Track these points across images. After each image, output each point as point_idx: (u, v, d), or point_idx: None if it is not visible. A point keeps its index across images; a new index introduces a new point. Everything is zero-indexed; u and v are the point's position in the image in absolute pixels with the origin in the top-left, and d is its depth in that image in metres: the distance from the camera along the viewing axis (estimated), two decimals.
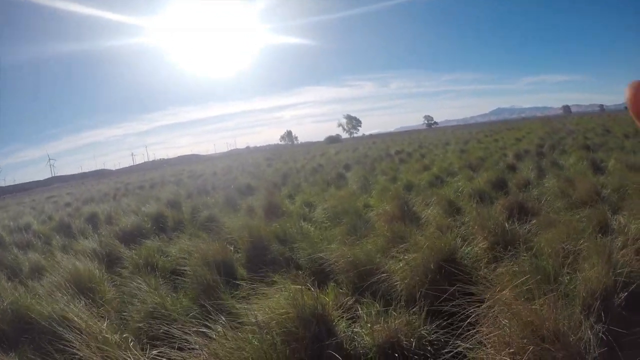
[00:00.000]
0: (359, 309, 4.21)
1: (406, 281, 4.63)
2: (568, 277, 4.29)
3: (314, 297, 3.91)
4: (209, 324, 3.78)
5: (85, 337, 3.94)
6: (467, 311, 3.61)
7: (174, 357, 3.39)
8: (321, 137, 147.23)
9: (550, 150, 17.59)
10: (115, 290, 6.21)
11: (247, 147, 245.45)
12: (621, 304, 3.86)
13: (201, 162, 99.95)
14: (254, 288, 4.85)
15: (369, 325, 3.82)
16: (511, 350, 3.11)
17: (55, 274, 6.29)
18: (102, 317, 5.16)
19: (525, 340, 3.10)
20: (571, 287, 4.11)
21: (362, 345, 3.74)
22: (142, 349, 3.83)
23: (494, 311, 3.48)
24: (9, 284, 6.48)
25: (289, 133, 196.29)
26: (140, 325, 4.70)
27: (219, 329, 3.74)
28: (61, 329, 4.24)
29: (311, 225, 8.28)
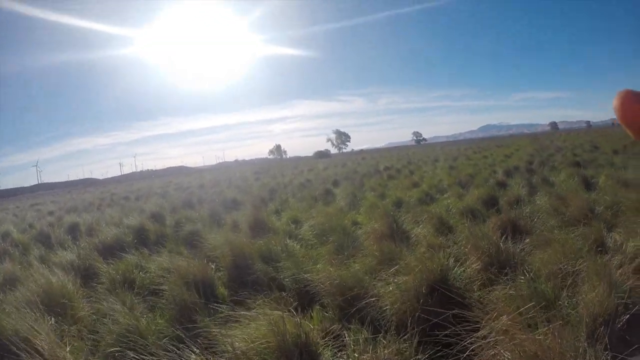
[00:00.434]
0: (346, 336, 3.91)
1: (396, 306, 4.35)
2: (568, 301, 4.08)
3: (296, 324, 3.61)
4: (182, 353, 3.48)
5: None
6: (464, 341, 3.34)
7: None
8: (310, 152, 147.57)
9: (540, 167, 17.49)
10: (89, 307, 5.86)
11: (236, 160, 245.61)
12: (623, 327, 3.67)
13: (189, 174, 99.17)
14: (234, 311, 4.58)
15: (356, 354, 3.54)
16: None
17: (27, 288, 5.97)
18: (73, 336, 4.88)
19: None
20: (572, 311, 3.88)
21: None
22: None
23: (492, 340, 3.22)
24: None
25: (278, 147, 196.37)
26: (110, 350, 4.36)
27: (192, 359, 3.44)
28: (22, 353, 3.92)
29: (297, 243, 7.98)
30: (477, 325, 3.50)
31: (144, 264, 7.44)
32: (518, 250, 5.62)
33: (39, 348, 4.09)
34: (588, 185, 11.09)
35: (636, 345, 3.27)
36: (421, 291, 4.33)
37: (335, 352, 3.74)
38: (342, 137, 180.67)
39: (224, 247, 6.76)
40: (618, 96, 0.50)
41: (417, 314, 4.04)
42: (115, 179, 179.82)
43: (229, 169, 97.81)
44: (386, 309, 4.41)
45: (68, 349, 4.13)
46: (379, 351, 3.46)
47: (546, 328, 3.10)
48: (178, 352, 3.50)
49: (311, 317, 4.54)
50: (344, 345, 3.80)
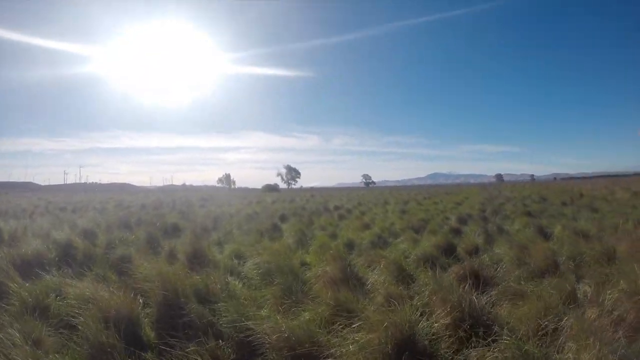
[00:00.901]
0: None
1: None
2: None
3: None
4: None
5: None
6: None
7: None
8: (259, 184, 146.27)
9: (492, 216, 17.29)
10: None
11: (184, 184, 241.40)
12: None
13: (133, 193, 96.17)
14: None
15: None
16: None
17: None
18: None
19: None
20: None
21: None
22: None
23: None
24: None
25: (228, 176, 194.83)
26: None
27: None
28: None
29: (239, 282, 7.17)
30: None
31: (63, 287, 6.44)
32: (487, 303, 5.04)
33: None
34: (544, 234, 10.84)
35: None
36: (387, 352, 3.64)
37: None
38: (292, 173, 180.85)
39: (155, 280, 5.86)
40: None
41: None
42: (57, 187, 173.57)
43: (174, 192, 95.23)
44: None
45: None
46: None
47: None
48: None
49: None
50: None
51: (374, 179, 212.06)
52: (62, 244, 9.59)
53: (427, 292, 5.52)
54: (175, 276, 5.99)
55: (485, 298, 5.12)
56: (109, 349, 4.32)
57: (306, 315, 4.94)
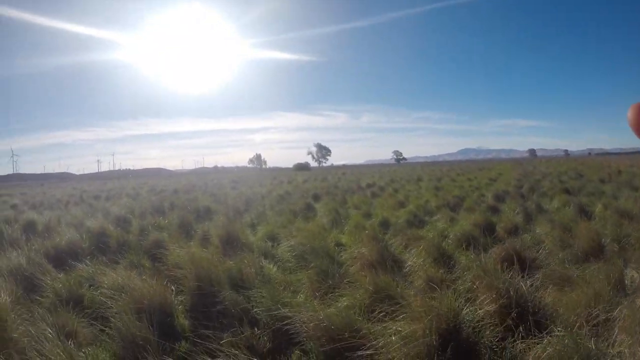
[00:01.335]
0: None
1: None
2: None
3: None
4: None
5: None
6: None
7: None
8: (290, 164, 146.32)
9: (530, 193, 16.71)
10: (22, 331, 4.82)
11: (215, 167, 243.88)
12: None
13: (166, 177, 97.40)
14: (193, 352, 3.65)
15: None
16: None
17: None
18: None
19: None
20: None
21: None
22: None
23: None
24: None
25: (258, 156, 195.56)
26: None
27: None
28: None
29: (274, 265, 7.02)
30: None
31: (97, 277, 6.39)
32: (532, 287, 4.72)
33: None
34: (585, 214, 10.33)
35: None
36: (432, 344, 3.41)
37: None
38: (323, 151, 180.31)
39: (188, 267, 5.74)
40: (632, 109, 0.52)
41: None
42: (91, 175, 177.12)
43: (207, 175, 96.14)
44: None
45: None
46: None
47: None
48: None
49: None
50: None
51: (405, 155, 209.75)
52: (96, 233, 9.64)
53: (469, 277, 5.25)
54: (208, 262, 5.87)
55: (529, 282, 4.81)
56: (141, 342, 4.18)
57: (344, 301, 4.75)
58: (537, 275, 5.30)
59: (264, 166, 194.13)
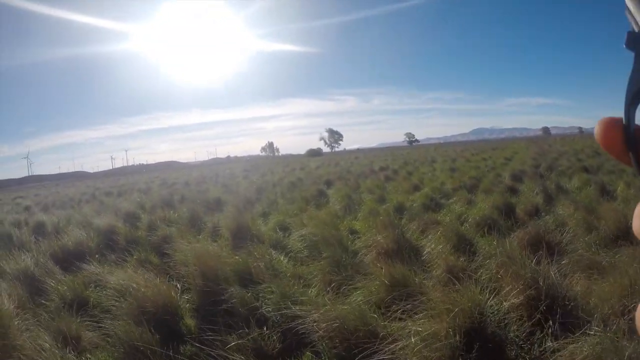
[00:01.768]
0: None
1: None
2: None
3: None
4: None
5: None
6: None
7: None
8: (302, 150, 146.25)
9: (548, 172, 16.18)
10: (26, 337, 4.60)
11: (228, 157, 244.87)
12: None
13: (179, 169, 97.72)
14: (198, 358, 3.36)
15: None
16: None
17: None
18: None
19: None
20: None
21: None
22: None
23: None
24: None
25: (271, 144, 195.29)
26: None
27: None
28: None
29: (284, 257, 6.72)
30: None
31: (103, 277, 6.15)
32: (559, 274, 4.33)
33: None
34: (606, 193, 9.90)
35: None
36: (456, 345, 3.07)
37: None
38: (335, 136, 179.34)
39: (194, 264, 5.46)
40: (598, 124, 0.49)
41: None
42: (105, 172, 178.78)
43: (219, 165, 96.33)
44: None
45: None
46: None
47: None
48: None
49: None
50: None
51: (417, 137, 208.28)
52: (104, 231, 9.43)
53: (493, 265, 4.87)
54: (215, 258, 5.59)
55: (554, 268, 4.42)
56: (142, 348, 3.91)
57: (358, 296, 4.43)
58: (563, 261, 4.94)
59: (276, 154, 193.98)
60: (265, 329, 4.16)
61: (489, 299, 3.87)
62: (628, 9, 0.47)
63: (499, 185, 12.74)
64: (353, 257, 6.09)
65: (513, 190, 11.70)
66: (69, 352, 4.10)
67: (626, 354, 2.79)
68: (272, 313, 4.40)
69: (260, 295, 4.80)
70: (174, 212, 11.96)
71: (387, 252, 5.97)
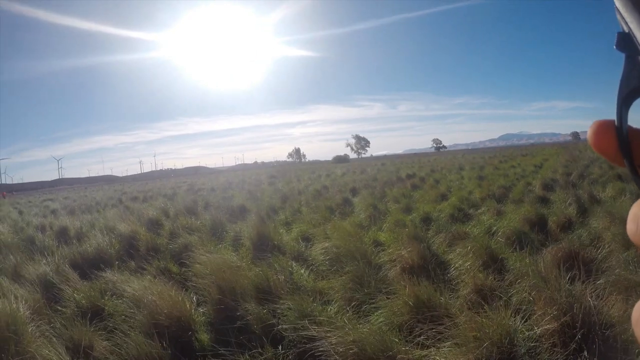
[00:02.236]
0: None
1: None
2: None
3: None
4: None
5: None
6: None
7: None
8: (329, 156, 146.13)
9: (580, 180, 15.60)
10: (39, 344, 4.52)
11: (255, 162, 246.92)
12: None
13: (206, 174, 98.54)
14: None
15: None
16: None
17: None
18: None
19: None
20: None
21: None
22: None
23: None
24: None
25: (297, 150, 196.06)
26: None
27: None
28: None
29: (305, 270, 6.51)
30: None
31: (120, 285, 6.04)
32: (599, 301, 3.98)
33: None
34: None
35: None
36: None
37: None
38: (362, 142, 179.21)
39: (211, 277, 5.29)
40: (591, 127, 0.50)
41: None
42: (134, 177, 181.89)
43: (246, 171, 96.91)
44: None
45: None
46: None
47: None
48: None
49: None
50: None
51: (445, 143, 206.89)
52: (126, 237, 9.36)
53: (525, 286, 4.56)
54: (233, 270, 5.41)
55: (590, 290, 4.09)
56: None
57: (380, 316, 4.20)
58: (599, 281, 4.59)
59: (303, 160, 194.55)
60: (280, 348, 3.96)
61: (519, 325, 3.60)
62: (617, 10, 0.47)
63: (529, 195, 12.31)
64: (377, 271, 5.83)
65: (544, 201, 11.28)
66: None
67: None
68: (288, 331, 4.18)
69: (277, 312, 4.59)
70: (196, 220, 11.87)
71: (412, 267, 5.72)
